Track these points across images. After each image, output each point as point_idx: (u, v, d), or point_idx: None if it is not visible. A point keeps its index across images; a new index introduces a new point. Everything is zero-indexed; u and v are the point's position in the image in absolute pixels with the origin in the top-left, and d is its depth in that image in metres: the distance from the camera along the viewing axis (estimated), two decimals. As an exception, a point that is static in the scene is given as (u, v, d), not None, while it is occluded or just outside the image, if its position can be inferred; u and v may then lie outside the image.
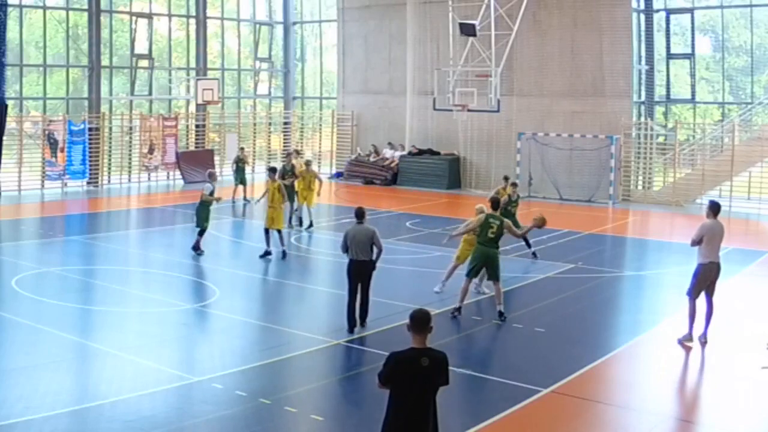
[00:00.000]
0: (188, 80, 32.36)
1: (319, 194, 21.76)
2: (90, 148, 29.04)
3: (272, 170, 18.81)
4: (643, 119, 29.79)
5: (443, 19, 30.46)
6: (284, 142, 35.92)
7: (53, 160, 28.08)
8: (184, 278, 16.18)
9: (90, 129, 29.08)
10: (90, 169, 29.20)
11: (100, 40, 29.73)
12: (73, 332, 12.23)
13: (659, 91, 30.35)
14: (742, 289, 16.02)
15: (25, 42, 28.48)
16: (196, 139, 33.26)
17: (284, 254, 17.86)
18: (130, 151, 31.17)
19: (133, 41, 30.82)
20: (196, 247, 17.94)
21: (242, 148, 27.46)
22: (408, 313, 6.44)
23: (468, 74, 29.67)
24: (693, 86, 29.70)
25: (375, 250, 12.40)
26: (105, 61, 30.18)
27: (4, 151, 25.70)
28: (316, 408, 9.81)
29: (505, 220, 13.60)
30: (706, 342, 12.13)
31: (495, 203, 13.75)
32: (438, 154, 32.12)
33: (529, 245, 17.90)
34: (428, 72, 31.59)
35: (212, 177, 18.80)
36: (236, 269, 17.60)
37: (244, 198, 25.75)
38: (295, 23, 37.49)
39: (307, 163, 22.47)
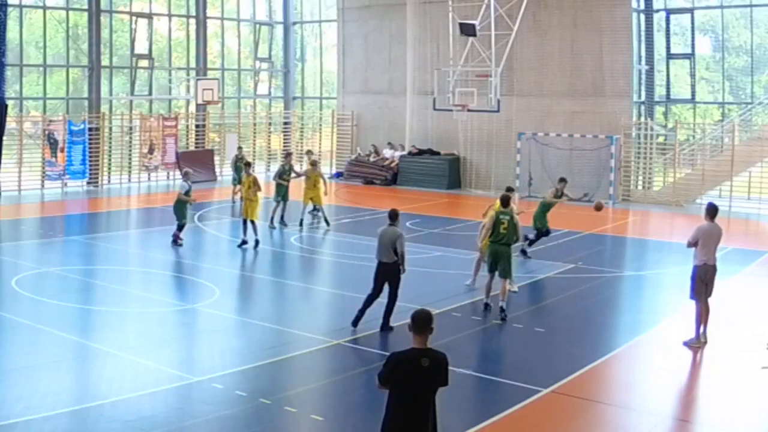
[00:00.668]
0: (188, 80, 32.35)
1: (326, 194, 22.45)
2: (90, 148, 29.03)
3: (248, 164, 19.88)
4: (643, 119, 29.79)
5: (443, 19, 30.46)
6: (284, 142, 35.93)
7: (53, 160, 28.08)
8: (184, 278, 16.19)
9: (90, 129, 29.08)
10: (90, 169, 29.19)
11: (100, 40, 29.73)
12: (73, 332, 12.23)
13: (659, 91, 30.35)
14: (742, 289, 16.02)
15: (25, 42, 28.48)
16: (196, 139, 33.26)
17: (257, 243, 18.58)
18: (130, 151, 31.16)
19: (133, 41, 30.82)
20: (175, 240, 18.68)
21: (240, 148, 27.52)
22: (408, 313, 6.44)
23: (468, 74, 29.67)
24: (693, 86, 29.70)
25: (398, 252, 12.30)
26: (105, 61, 30.17)
27: (4, 151, 25.68)
28: (316, 408, 9.81)
29: (515, 216, 13.83)
30: (706, 342, 12.15)
31: (505, 201, 13.99)
32: (438, 154, 32.12)
33: (531, 243, 17.95)
34: (428, 72, 31.59)
35: (187, 176, 19.53)
36: (236, 269, 17.62)
37: (241, 198, 25.68)
38: (295, 23, 37.50)
39: (313, 163, 22.76)
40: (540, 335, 12.83)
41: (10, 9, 25.92)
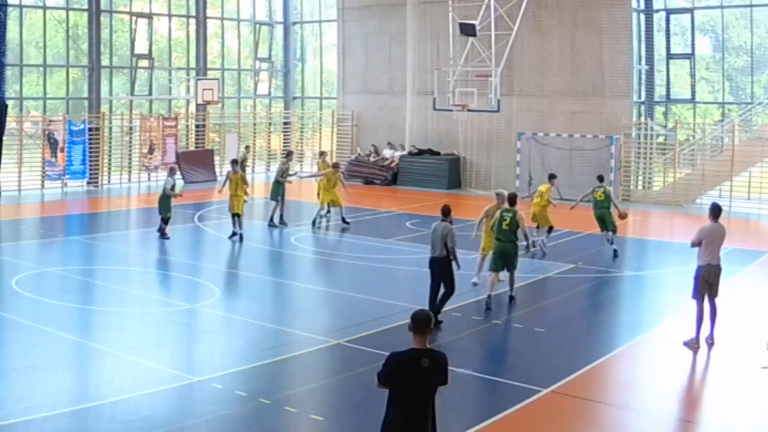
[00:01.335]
0: (188, 80, 32.36)
1: (346, 191, 22.73)
2: (90, 148, 29.03)
3: (234, 162, 20.67)
4: (643, 119, 29.79)
5: (443, 19, 30.46)
6: (284, 142, 35.93)
7: (53, 160, 28.08)
8: (184, 278, 16.19)
9: (90, 129, 29.08)
10: (90, 169, 29.19)
11: (100, 40, 29.73)
12: (73, 332, 12.23)
13: (659, 91, 30.35)
14: (742, 289, 16.01)
15: (25, 42, 28.48)
16: (196, 139, 33.26)
17: (240, 237, 19.48)
18: (130, 151, 31.17)
19: (133, 41, 30.81)
20: (162, 233, 19.38)
21: (247, 147, 27.59)
22: (408, 313, 6.44)
23: (468, 74, 29.67)
24: (693, 86, 29.70)
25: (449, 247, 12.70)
26: (105, 61, 30.17)
27: (4, 151, 25.71)
28: (316, 408, 9.81)
29: (518, 212, 14.20)
30: (713, 343, 12.10)
31: (511, 199, 14.54)
32: (438, 154, 32.12)
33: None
34: (428, 72, 31.59)
35: (172, 172, 20.43)
36: (236, 269, 17.62)
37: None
38: (295, 23, 37.50)
39: (336, 165, 23.04)
40: (540, 335, 12.82)
41: (10, 9, 25.93)
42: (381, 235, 21.01)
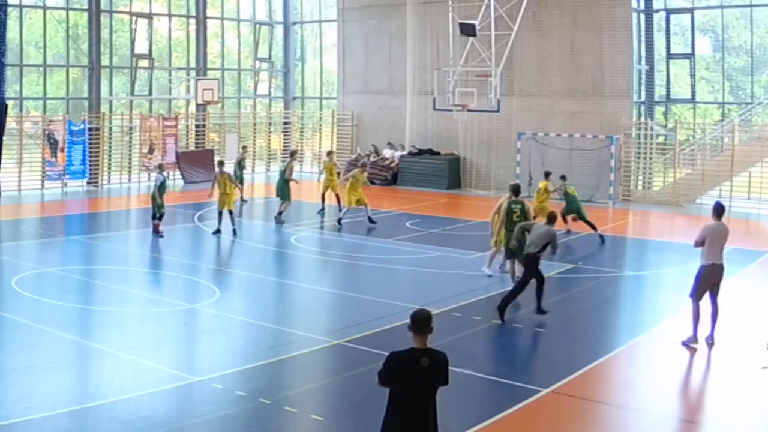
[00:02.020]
0: (188, 80, 32.35)
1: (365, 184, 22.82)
2: (90, 148, 29.03)
3: (220, 163, 21.06)
4: (643, 119, 29.78)
5: (443, 19, 30.45)
6: (284, 142, 35.93)
7: (53, 160, 28.08)
8: (184, 278, 16.18)
9: (90, 129, 29.08)
10: (90, 169, 29.19)
11: (100, 40, 29.73)
12: (73, 332, 12.22)
13: (659, 91, 30.34)
14: (742, 289, 15.99)
15: (25, 42, 28.47)
16: (196, 139, 33.26)
17: (234, 232, 19.95)
18: (130, 151, 31.16)
19: (133, 41, 30.80)
20: (155, 230, 19.64)
21: (245, 147, 27.61)
22: (408, 313, 6.44)
23: (468, 74, 29.66)
24: (693, 86, 29.69)
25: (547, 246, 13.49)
26: (105, 61, 30.17)
27: (4, 151, 25.69)
28: (316, 408, 9.81)
29: (526, 202, 14.97)
30: (713, 343, 12.07)
31: (515, 190, 15.29)
32: (438, 154, 32.12)
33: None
34: (428, 72, 31.59)
35: (162, 168, 21.07)
36: (236, 269, 17.61)
37: (241, 198, 25.72)
38: (295, 23, 37.49)
39: (363, 165, 23.31)
40: (540, 335, 12.83)
41: (10, 9, 25.91)
42: (381, 235, 21.00)
